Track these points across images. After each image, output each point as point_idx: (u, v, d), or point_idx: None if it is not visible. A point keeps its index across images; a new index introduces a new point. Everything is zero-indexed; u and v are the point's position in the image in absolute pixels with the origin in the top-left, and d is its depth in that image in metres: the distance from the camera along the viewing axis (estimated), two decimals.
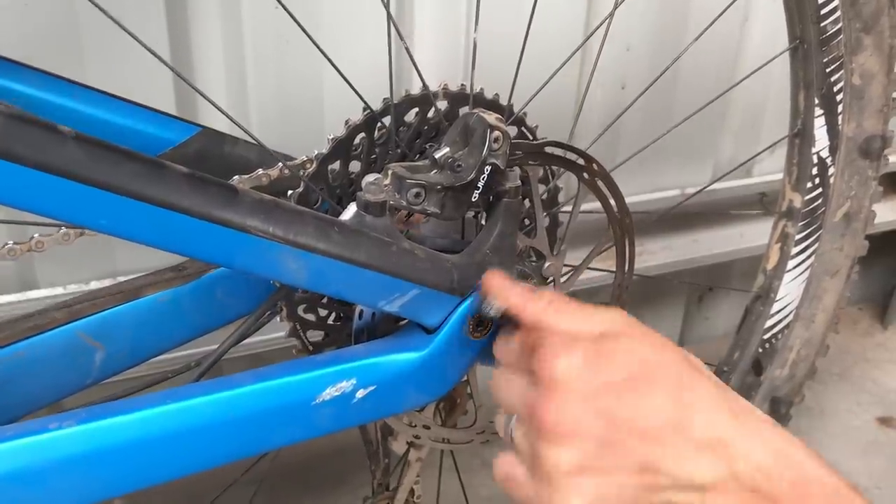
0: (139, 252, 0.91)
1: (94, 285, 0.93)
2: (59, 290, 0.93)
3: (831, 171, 0.85)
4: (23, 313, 0.59)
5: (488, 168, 0.56)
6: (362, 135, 0.61)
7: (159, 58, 0.53)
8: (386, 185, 0.54)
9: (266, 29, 0.92)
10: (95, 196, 0.43)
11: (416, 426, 0.64)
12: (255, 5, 0.91)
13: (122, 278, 0.85)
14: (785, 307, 0.95)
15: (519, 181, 0.58)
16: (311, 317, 0.62)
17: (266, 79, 0.95)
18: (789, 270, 0.91)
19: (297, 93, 0.96)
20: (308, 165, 0.61)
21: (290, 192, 0.59)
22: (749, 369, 0.99)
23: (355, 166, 0.62)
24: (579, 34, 1.08)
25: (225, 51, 0.92)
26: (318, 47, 0.60)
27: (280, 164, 0.63)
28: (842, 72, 0.80)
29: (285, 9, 0.58)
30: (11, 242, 0.58)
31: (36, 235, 0.59)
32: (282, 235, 0.49)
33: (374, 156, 0.63)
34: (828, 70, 0.81)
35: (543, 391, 0.46)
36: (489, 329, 0.58)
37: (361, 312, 0.59)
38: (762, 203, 1.29)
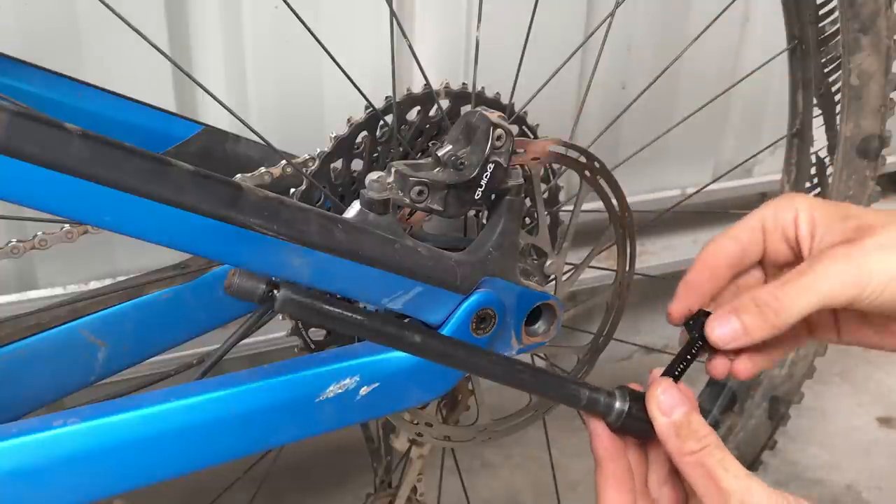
0: (138, 252, 0.92)
1: (94, 285, 0.93)
2: (58, 290, 0.93)
3: (830, 170, 0.86)
4: (25, 311, 0.59)
5: (491, 166, 0.56)
6: (364, 133, 0.61)
7: (162, 52, 0.54)
8: (389, 183, 0.55)
9: (266, 29, 0.92)
10: (100, 193, 0.43)
11: (418, 423, 0.64)
12: (255, 5, 0.91)
13: (121, 278, 0.85)
14: None
15: (521, 179, 0.58)
16: None
17: (266, 79, 0.95)
18: None
19: (297, 92, 0.97)
20: (310, 163, 0.61)
21: (292, 189, 0.59)
22: None
23: (357, 164, 0.62)
24: (580, 34, 1.08)
25: (225, 51, 0.93)
26: (321, 45, 0.60)
27: (283, 161, 0.63)
28: (840, 72, 0.81)
29: (289, 6, 0.58)
30: (15, 240, 0.58)
31: (39, 233, 0.60)
32: (286, 232, 0.49)
33: (376, 154, 0.63)
34: (826, 70, 0.81)
35: None
36: (492, 327, 0.59)
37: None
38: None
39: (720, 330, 0.48)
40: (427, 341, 0.45)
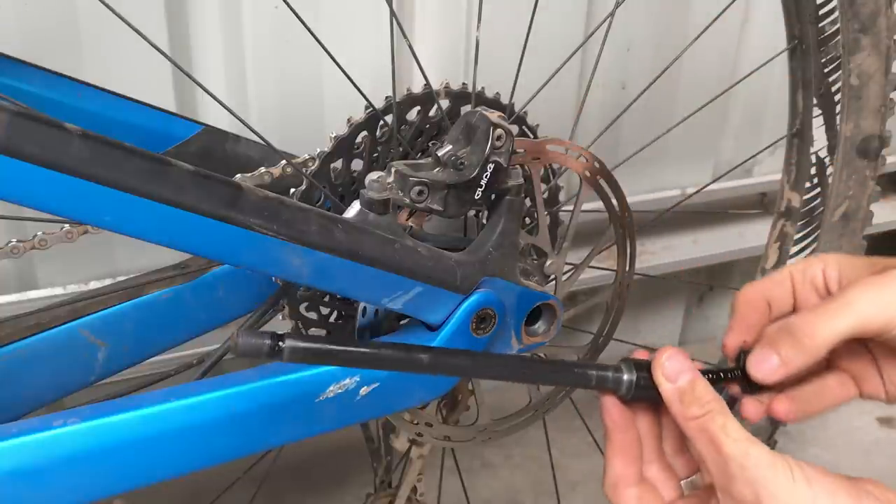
0: (138, 252, 0.92)
1: (94, 285, 0.93)
2: (58, 290, 0.93)
3: (829, 170, 0.86)
4: (25, 311, 0.59)
5: (491, 166, 0.56)
6: (364, 133, 0.61)
7: (162, 52, 0.54)
8: (389, 183, 0.55)
9: (266, 29, 0.92)
10: (100, 193, 0.43)
11: (418, 423, 0.64)
12: (255, 5, 0.91)
13: (121, 278, 0.85)
14: None
15: (521, 179, 0.58)
16: (313, 315, 0.62)
17: (266, 79, 0.95)
18: None
19: (297, 92, 0.97)
20: (310, 163, 0.61)
21: (292, 189, 0.59)
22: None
23: (357, 164, 0.62)
24: (580, 34, 1.08)
25: (225, 51, 0.93)
26: (321, 45, 0.60)
27: (283, 161, 0.63)
28: (840, 72, 0.81)
29: (289, 6, 0.58)
30: (15, 240, 0.58)
31: (39, 233, 0.60)
32: (286, 232, 0.49)
33: (376, 154, 0.63)
34: (826, 70, 0.81)
35: None
36: (492, 327, 0.59)
37: (364, 310, 0.59)
38: (762, 203, 1.30)
39: (760, 366, 0.49)
40: (434, 359, 0.47)
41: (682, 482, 0.52)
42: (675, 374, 0.47)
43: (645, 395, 0.50)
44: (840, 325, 0.46)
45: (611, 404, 0.51)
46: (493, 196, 0.58)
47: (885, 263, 0.49)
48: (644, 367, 0.50)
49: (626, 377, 0.50)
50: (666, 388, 0.47)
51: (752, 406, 0.52)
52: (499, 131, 0.56)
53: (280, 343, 0.42)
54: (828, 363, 0.53)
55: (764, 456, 0.44)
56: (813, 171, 0.86)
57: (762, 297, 0.53)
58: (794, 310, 0.53)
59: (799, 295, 0.53)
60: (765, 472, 0.43)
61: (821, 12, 0.78)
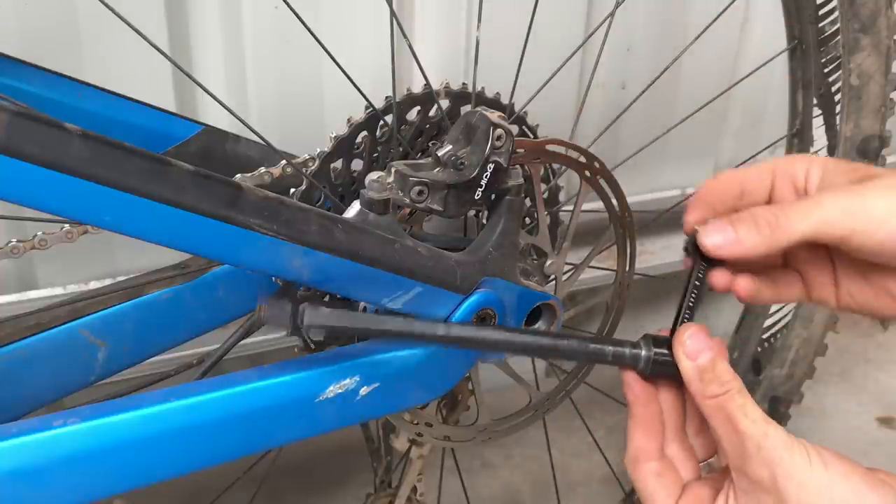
0: (138, 252, 0.92)
1: (94, 285, 0.93)
2: (58, 290, 0.93)
3: None
4: (25, 311, 0.59)
5: (491, 166, 0.56)
6: (364, 133, 0.61)
7: (161, 52, 0.54)
8: (389, 183, 0.55)
9: (266, 29, 0.92)
10: (100, 193, 0.43)
11: (418, 423, 0.64)
12: (255, 5, 0.91)
13: (121, 278, 0.85)
14: (783, 306, 0.96)
15: (521, 179, 0.58)
16: None
17: (266, 79, 0.95)
18: None
19: (297, 92, 0.97)
20: (310, 163, 0.61)
21: (292, 189, 0.59)
22: (748, 368, 0.99)
23: (357, 164, 0.62)
24: (580, 34, 1.08)
25: (225, 51, 0.93)
26: (321, 45, 0.60)
27: (283, 161, 0.63)
28: (840, 72, 0.81)
29: (289, 6, 0.58)
30: (15, 240, 0.58)
31: (39, 233, 0.60)
32: (286, 232, 0.49)
33: (376, 154, 0.63)
34: (826, 70, 0.81)
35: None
36: None
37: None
38: None
39: (713, 236, 0.48)
40: (448, 330, 0.49)
41: (700, 465, 0.52)
42: (696, 353, 0.47)
43: (664, 372, 0.50)
44: (803, 223, 0.45)
45: (631, 379, 0.51)
46: (493, 196, 0.58)
47: (867, 172, 0.48)
48: (664, 344, 0.50)
49: (643, 353, 0.50)
50: (686, 365, 0.47)
51: (721, 275, 0.51)
52: (499, 131, 0.56)
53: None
54: (784, 262, 0.53)
55: (781, 437, 0.44)
56: None
57: (738, 182, 0.51)
58: (769, 202, 0.52)
59: (777, 190, 0.51)
60: (782, 452, 0.43)
61: (821, 12, 0.78)
